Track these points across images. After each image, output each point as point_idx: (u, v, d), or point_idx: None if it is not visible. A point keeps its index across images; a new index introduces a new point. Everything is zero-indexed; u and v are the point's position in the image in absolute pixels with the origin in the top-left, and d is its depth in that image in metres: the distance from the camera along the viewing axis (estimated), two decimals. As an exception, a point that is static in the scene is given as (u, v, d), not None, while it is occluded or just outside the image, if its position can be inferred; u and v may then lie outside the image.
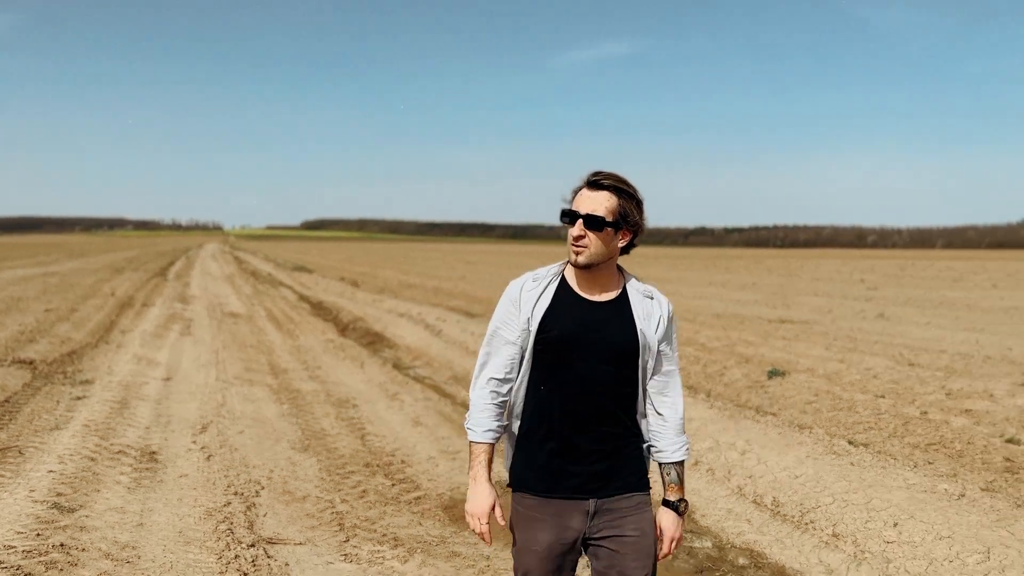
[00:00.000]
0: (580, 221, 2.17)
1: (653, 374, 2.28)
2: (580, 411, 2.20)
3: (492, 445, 2.27)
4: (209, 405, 7.33)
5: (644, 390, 2.28)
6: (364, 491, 5.20)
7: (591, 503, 2.22)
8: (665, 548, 2.30)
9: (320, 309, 18.33)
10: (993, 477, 5.13)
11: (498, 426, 2.26)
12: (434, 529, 4.66)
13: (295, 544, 4.16)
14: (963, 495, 4.80)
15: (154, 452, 5.62)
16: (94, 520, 4.24)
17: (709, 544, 4.65)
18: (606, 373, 2.20)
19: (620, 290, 2.29)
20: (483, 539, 2.30)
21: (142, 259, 45.48)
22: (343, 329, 14.84)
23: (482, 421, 2.25)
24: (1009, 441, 5.87)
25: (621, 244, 2.23)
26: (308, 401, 7.90)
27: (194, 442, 5.97)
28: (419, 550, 4.26)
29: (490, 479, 2.26)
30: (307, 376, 9.35)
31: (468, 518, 2.30)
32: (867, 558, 4.24)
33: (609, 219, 2.16)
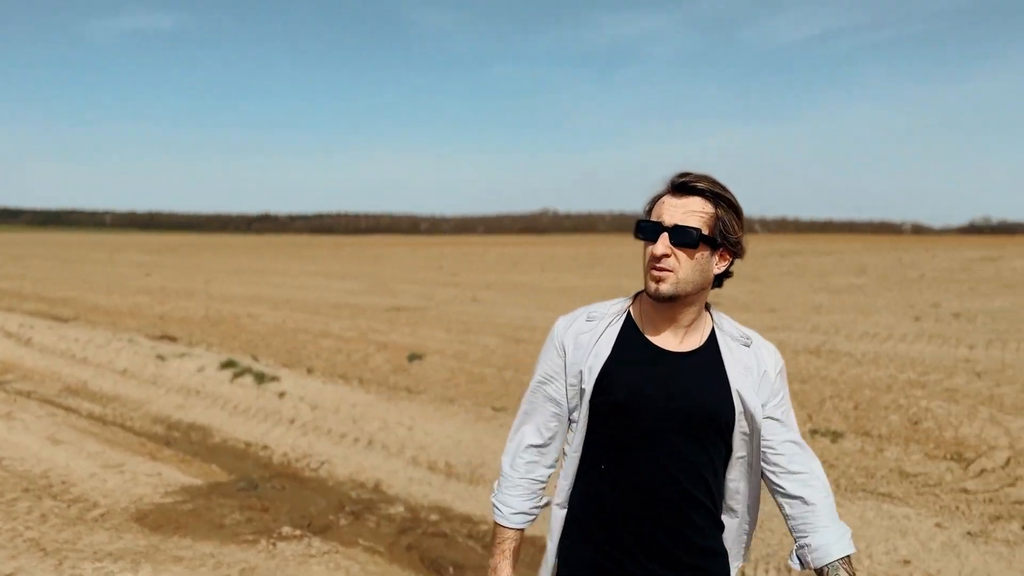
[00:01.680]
0: (665, 235, 1.62)
1: (769, 448, 1.72)
2: (655, 503, 1.67)
3: (521, 532, 1.78)
4: None
5: (726, 474, 1.74)
6: (43, 515, 4.81)
7: None
8: None
9: None
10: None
11: (532, 507, 1.77)
12: (140, 540, 4.57)
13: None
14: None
15: None
16: None
17: (402, 508, 5.27)
18: (690, 451, 1.67)
19: (708, 335, 1.73)
20: None
21: None
22: None
23: (512, 501, 1.76)
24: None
25: (718, 270, 1.68)
26: (-101, 431, 6.69)
27: None
28: (142, 559, 4.20)
29: (512, 571, 1.77)
30: None
31: None
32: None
33: (705, 232, 1.62)
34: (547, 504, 1.80)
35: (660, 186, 1.69)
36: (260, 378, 8.28)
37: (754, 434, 1.70)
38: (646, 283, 1.67)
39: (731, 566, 1.78)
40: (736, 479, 1.73)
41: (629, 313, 1.76)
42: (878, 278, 22.33)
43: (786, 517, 1.75)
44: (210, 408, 7.96)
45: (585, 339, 1.72)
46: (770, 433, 1.72)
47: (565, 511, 1.76)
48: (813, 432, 6.19)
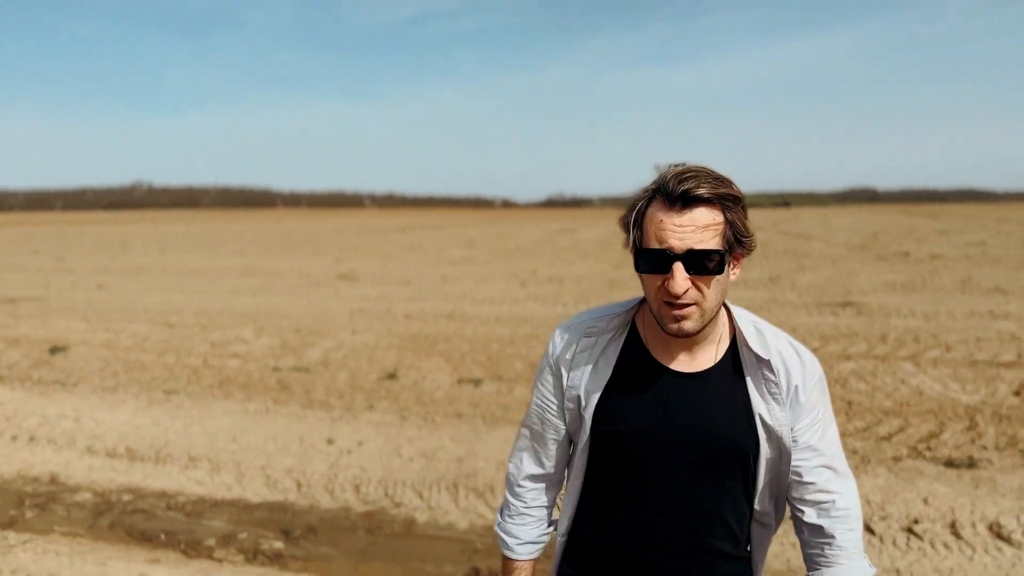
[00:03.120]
0: (679, 265, 1.33)
1: (796, 474, 1.51)
2: (663, 545, 1.52)
3: (531, 563, 1.68)
4: None
5: (759, 503, 1.56)
6: None
7: None
8: None
9: None
10: (277, 395, 7.16)
11: (540, 535, 1.67)
12: None
13: None
14: (267, 410, 6.69)
15: None
16: None
17: (89, 495, 5.32)
18: (704, 489, 1.49)
19: (727, 346, 1.50)
20: None
21: None
22: None
23: (519, 531, 1.65)
24: (274, 370, 8.05)
25: (734, 277, 1.44)
26: None
27: None
28: None
29: None
30: None
31: None
32: (223, 465, 5.66)
33: (723, 248, 1.36)
34: (554, 529, 1.68)
35: (642, 191, 1.39)
36: None
37: (783, 458, 1.50)
38: (663, 323, 1.40)
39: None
40: (764, 502, 1.55)
41: (633, 324, 1.53)
42: (486, 250, 25.23)
43: (802, 544, 1.58)
44: None
45: (583, 359, 1.52)
46: (800, 458, 1.50)
47: (565, 539, 1.64)
48: (460, 381, 7.46)
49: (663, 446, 1.47)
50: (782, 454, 1.50)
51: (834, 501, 1.52)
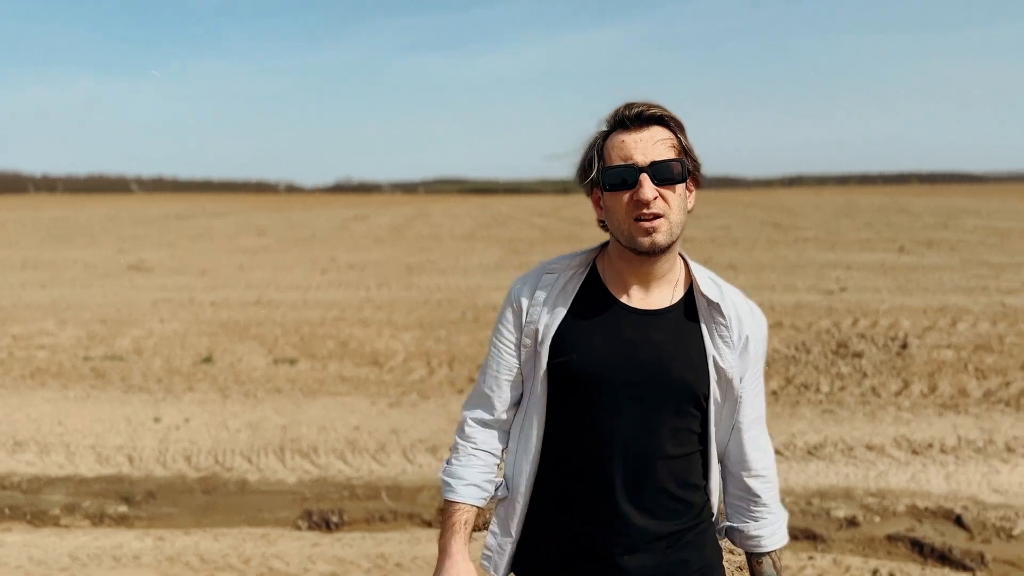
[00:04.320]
0: (645, 177, 1.43)
1: (733, 425, 1.59)
2: (616, 481, 1.52)
3: (475, 509, 1.60)
4: None
5: (714, 445, 1.60)
6: None
7: None
8: None
9: None
10: (94, 382, 7.42)
11: (485, 481, 1.61)
12: None
13: None
14: (88, 396, 7.00)
15: None
16: None
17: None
18: (654, 425, 1.52)
19: (683, 291, 1.58)
20: None
21: None
22: None
23: (464, 472, 1.59)
24: (86, 359, 8.22)
25: (690, 205, 1.53)
26: None
27: None
28: None
29: (468, 552, 1.58)
30: None
31: None
32: (52, 447, 5.98)
33: (682, 159, 1.47)
34: (502, 489, 1.63)
35: (595, 134, 1.52)
36: None
37: (730, 403, 1.57)
38: (634, 239, 1.46)
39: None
40: (718, 442, 1.61)
41: (594, 266, 1.60)
42: (279, 238, 25.16)
43: (726, 493, 1.67)
44: None
45: (542, 295, 1.57)
46: (737, 407, 1.58)
47: (519, 485, 1.61)
48: (276, 362, 8.11)
49: (616, 379, 1.50)
50: (729, 399, 1.56)
51: (760, 459, 1.61)
